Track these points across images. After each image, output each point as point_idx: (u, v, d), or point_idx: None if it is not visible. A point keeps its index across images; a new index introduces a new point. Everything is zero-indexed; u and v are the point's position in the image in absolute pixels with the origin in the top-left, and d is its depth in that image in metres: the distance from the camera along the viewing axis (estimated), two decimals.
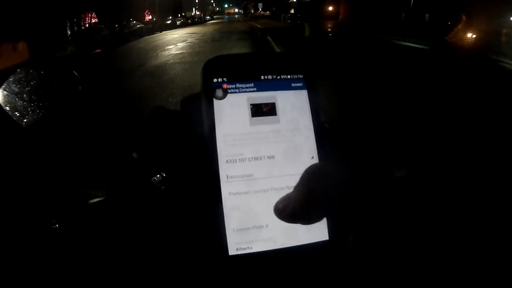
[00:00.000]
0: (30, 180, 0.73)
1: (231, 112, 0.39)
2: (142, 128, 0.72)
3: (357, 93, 5.86)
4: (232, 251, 0.37)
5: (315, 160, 0.39)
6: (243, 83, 0.40)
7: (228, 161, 0.38)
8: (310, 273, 0.42)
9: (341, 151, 0.56)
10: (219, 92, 0.39)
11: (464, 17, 13.46)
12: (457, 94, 5.59)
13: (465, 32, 13.28)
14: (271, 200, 0.37)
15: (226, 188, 0.38)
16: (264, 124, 0.40)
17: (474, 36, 12.89)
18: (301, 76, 0.42)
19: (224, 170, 0.38)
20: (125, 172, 0.70)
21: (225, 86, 0.39)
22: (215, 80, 0.39)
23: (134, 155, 0.70)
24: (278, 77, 0.41)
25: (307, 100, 0.41)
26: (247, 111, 0.40)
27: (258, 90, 0.41)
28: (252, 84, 0.40)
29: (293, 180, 0.37)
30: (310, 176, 0.33)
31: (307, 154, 0.40)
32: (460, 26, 13.72)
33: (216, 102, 0.39)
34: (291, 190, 0.36)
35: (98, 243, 0.65)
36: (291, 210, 0.34)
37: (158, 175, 0.66)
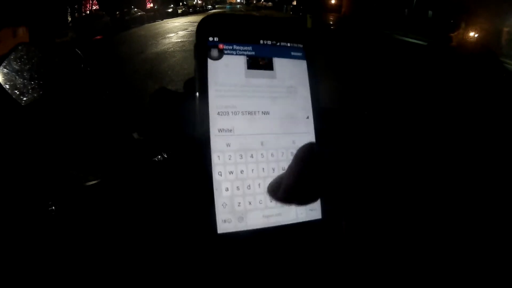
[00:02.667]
0: (27, 161, 0.73)
1: (226, 72, 0.37)
2: (144, 109, 0.71)
3: (357, 85, 5.83)
4: (221, 228, 0.35)
5: (310, 121, 0.38)
6: (241, 45, 0.38)
7: (220, 113, 0.36)
8: (302, 252, 0.41)
9: (338, 135, 0.56)
10: (214, 52, 0.37)
11: (466, 17, 13.39)
12: (456, 93, 5.57)
13: (468, 31, 13.21)
14: (266, 164, 0.36)
15: (217, 143, 0.35)
16: (260, 77, 0.38)
17: (476, 35, 12.83)
18: (301, 46, 0.40)
19: (215, 122, 0.35)
20: (125, 152, 0.70)
21: (221, 46, 0.37)
22: (210, 38, 0.37)
23: (135, 135, 0.69)
24: (278, 44, 0.39)
25: (306, 70, 0.39)
26: (243, 66, 0.37)
27: (256, 55, 0.38)
28: (250, 48, 0.38)
29: (287, 140, 0.36)
30: (302, 156, 0.32)
31: (302, 113, 0.38)
32: (462, 24, 13.65)
33: (210, 63, 0.36)
34: (286, 152, 0.35)
35: (94, 224, 0.65)
36: (284, 191, 0.32)
37: (159, 156, 0.65)
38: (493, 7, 11.89)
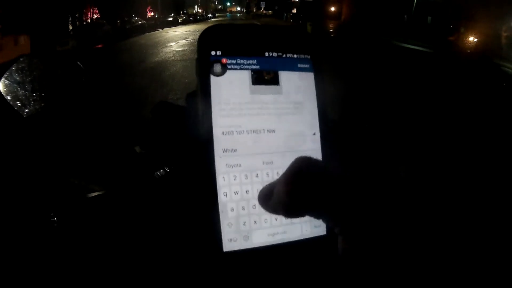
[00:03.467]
0: (29, 172, 0.72)
1: (230, 89, 0.35)
2: (146, 122, 0.71)
3: (359, 93, 5.85)
4: (227, 247, 0.34)
5: (317, 137, 0.37)
6: (245, 59, 0.36)
7: (224, 133, 0.34)
8: (307, 269, 0.40)
9: (342, 150, 0.56)
10: (217, 68, 0.35)
11: (465, 22, 13.45)
12: (457, 98, 5.59)
13: (467, 36, 13.26)
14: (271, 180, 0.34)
15: (221, 164, 0.34)
16: (265, 93, 0.36)
17: (476, 40, 12.88)
18: (308, 57, 0.38)
19: (219, 143, 0.34)
20: (127, 166, 0.69)
21: (224, 60, 0.35)
22: (213, 53, 0.35)
23: (137, 149, 0.69)
24: (284, 55, 0.37)
25: (313, 83, 0.38)
26: (247, 82, 0.35)
27: (261, 68, 0.36)
28: (255, 61, 0.36)
29: (293, 158, 0.33)
30: (296, 168, 0.30)
31: (309, 130, 0.37)
32: (461, 29, 13.71)
33: (213, 80, 0.35)
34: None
35: (96, 236, 0.65)
36: (273, 201, 0.31)
37: (161, 170, 0.64)
38: (492, 12, 11.96)
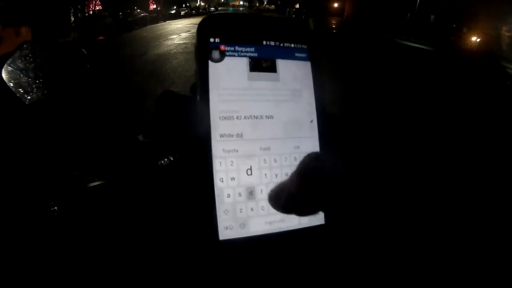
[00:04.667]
0: (30, 161, 0.72)
1: (228, 75, 0.35)
2: (148, 111, 0.70)
3: (360, 89, 5.84)
4: (223, 235, 0.34)
5: (314, 124, 0.37)
6: (243, 46, 0.36)
7: (222, 118, 0.34)
8: (305, 258, 0.40)
9: (341, 139, 0.56)
10: (215, 54, 0.35)
11: (467, 21, 13.39)
12: (458, 96, 5.58)
13: (470, 35, 13.21)
14: (268, 170, 0.35)
15: (218, 149, 0.34)
16: (263, 80, 0.36)
17: (478, 39, 12.83)
18: (305, 47, 0.39)
19: (217, 127, 0.34)
20: (129, 154, 0.69)
21: (222, 47, 0.36)
22: (211, 40, 0.36)
23: (140, 138, 0.68)
24: (281, 44, 0.38)
25: (310, 72, 0.38)
26: (245, 69, 0.36)
27: (259, 56, 0.37)
28: (253, 49, 0.37)
29: (291, 145, 0.35)
30: (307, 166, 0.31)
31: (306, 117, 0.37)
32: (464, 29, 13.66)
33: (212, 65, 0.35)
34: (290, 157, 0.35)
35: (96, 226, 0.65)
36: (285, 200, 0.31)
37: (165, 159, 0.64)
38: (494, 11, 11.91)
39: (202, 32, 0.36)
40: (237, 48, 0.36)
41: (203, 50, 0.35)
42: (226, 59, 0.36)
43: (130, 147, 0.69)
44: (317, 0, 28.70)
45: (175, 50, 9.90)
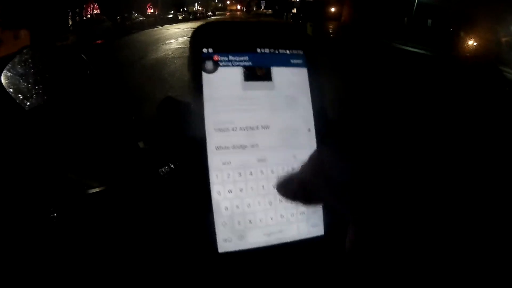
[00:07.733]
0: (30, 166, 0.72)
1: (222, 86, 0.34)
2: (150, 117, 0.70)
3: (361, 93, 5.87)
4: (222, 247, 0.33)
5: (312, 133, 0.36)
6: (237, 55, 0.35)
7: (217, 130, 0.34)
8: (305, 270, 0.40)
9: (341, 142, 0.55)
10: (209, 65, 0.34)
11: (465, 25, 13.49)
12: (455, 100, 5.61)
13: (467, 39, 13.31)
14: (265, 181, 0.34)
15: (214, 161, 0.33)
16: (258, 89, 0.36)
17: (475, 44, 12.92)
18: (301, 52, 0.38)
19: (212, 139, 0.33)
20: (129, 161, 0.68)
21: (216, 58, 0.35)
22: (204, 50, 0.35)
23: (141, 144, 0.68)
24: (276, 51, 0.37)
25: (307, 79, 0.37)
26: (240, 78, 0.35)
27: (253, 65, 0.36)
28: (246, 57, 0.36)
29: (288, 155, 0.35)
30: (319, 157, 0.31)
31: (303, 126, 0.36)
32: (461, 33, 13.76)
33: (205, 77, 0.34)
34: (287, 167, 0.34)
35: (95, 233, 0.64)
36: (293, 186, 0.32)
37: (166, 166, 0.63)
38: (491, 16, 12.00)
39: (194, 42, 0.35)
40: (230, 57, 0.35)
41: (196, 61, 0.35)
42: (220, 69, 0.35)
43: (131, 154, 0.69)
44: (315, 4, 28.86)
45: (172, 55, 9.94)
